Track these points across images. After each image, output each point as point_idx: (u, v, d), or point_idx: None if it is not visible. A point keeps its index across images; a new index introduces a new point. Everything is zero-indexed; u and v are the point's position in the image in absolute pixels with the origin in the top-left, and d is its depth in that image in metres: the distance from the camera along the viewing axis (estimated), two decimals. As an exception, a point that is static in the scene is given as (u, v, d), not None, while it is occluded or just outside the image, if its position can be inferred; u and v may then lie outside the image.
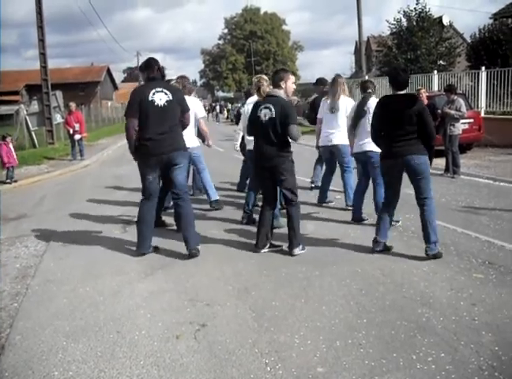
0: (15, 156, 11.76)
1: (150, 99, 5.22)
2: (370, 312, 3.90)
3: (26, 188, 11.46)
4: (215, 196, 7.66)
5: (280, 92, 5.43)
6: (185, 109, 5.55)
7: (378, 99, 5.59)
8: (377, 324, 3.69)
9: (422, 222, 5.07)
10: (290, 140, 5.37)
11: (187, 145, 5.75)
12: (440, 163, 10.89)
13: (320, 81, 8.96)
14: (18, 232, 6.97)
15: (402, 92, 5.17)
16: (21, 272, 5.24)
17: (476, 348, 3.28)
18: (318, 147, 7.87)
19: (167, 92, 5.31)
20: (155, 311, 4.10)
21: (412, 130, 4.98)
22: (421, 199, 5.07)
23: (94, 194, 9.62)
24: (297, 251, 5.34)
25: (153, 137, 5.23)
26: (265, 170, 5.43)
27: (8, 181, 11.46)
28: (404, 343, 3.40)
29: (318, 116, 7.75)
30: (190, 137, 6.64)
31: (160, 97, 5.26)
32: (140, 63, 6.04)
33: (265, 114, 5.28)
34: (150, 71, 5.38)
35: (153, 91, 5.26)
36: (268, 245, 5.53)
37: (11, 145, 11.76)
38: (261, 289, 4.45)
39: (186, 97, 6.11)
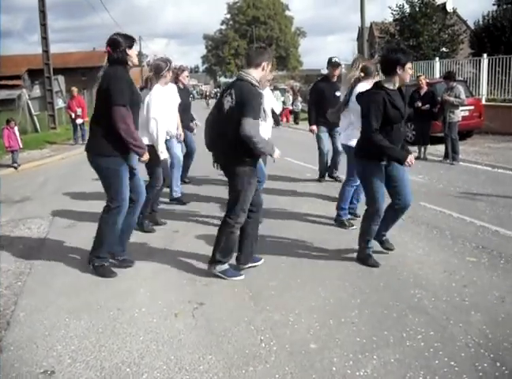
0: (19, 140, 11.81)
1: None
2: (364, 292, 4.01)
3: (29, 172, 11.55)
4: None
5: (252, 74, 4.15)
6: (108, 100, 4.24)
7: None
8: (370, 304, 3.81)
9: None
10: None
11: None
12: (439, 149, 10.97)
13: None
14: (22, 214, 7.08)
15: (385, 80, 4.37)
16: (25, 253, 5.35)
17: (465, 327, 3.39)
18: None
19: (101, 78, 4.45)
20: (154, 290, 4.21)
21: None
22: None
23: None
24: (215, 270, 4.40)
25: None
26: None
27: (14, 165, 11.56)
28: (396, 321, 3.52)
29: None
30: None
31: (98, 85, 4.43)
32: (140, 48, 4.92)
33: (227, 101, 4.15)
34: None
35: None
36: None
37: (16, 129, 11.81)
38: (259, 269, 4.56)
39: (158, 87, 5.68)
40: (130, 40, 4.36)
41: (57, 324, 3.68)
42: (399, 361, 3.02)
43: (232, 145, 4.09)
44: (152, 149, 5.46)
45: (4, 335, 3.54)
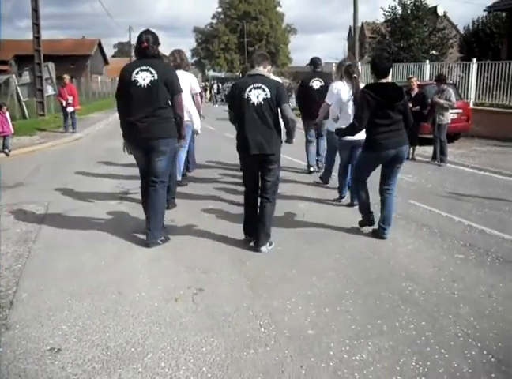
0: (10, 126, 11.77)
1: (133, 78, 4.75)
2: (357, 284, 4.17)
3: (20, 158, 11.53)
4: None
5: (266, 72, 4.91)
6: (174, 91, 4.87)
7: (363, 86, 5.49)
8: (363, 294, 3.96)
9: (387, 206, 5.33)
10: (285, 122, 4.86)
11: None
12: (428, 150, 11.18)
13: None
14: (16, 199, 7.12)
15: (385, 81, 5.14)
16: (22, 237, 5.42)
17: (454, 318, 3.56)
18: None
19: (153, 71, 4.75)
20: (154, 276, 4.33)
21: (399, 119, 5.04)
22: (390, 185, 5.31)
23: (88, 166, 9.77)
24: (265, 249, 4.93)
25: (135, 122, 4.79)
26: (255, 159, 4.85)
27: (6, 150, 11.53)
28: (389, 311, 3.68)
29: (328, 101, 6.90)
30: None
31: (144, 76, 4.74)
32: (130, 38, 5.82)
33: (258, 94, 4.71)
34: (138, 46, 4.84)
35: (137, 69, 4.77)
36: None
37: (7, 114, 11.77)
38: (255, 260, 4.70)
39: (182, 72, 6.15)
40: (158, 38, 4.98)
41: (60, 305, 3.77)
42: (393, 347, 3.18)
43: (273, 131, 4.76)
44: None
45: (9, 314, 3.63)
